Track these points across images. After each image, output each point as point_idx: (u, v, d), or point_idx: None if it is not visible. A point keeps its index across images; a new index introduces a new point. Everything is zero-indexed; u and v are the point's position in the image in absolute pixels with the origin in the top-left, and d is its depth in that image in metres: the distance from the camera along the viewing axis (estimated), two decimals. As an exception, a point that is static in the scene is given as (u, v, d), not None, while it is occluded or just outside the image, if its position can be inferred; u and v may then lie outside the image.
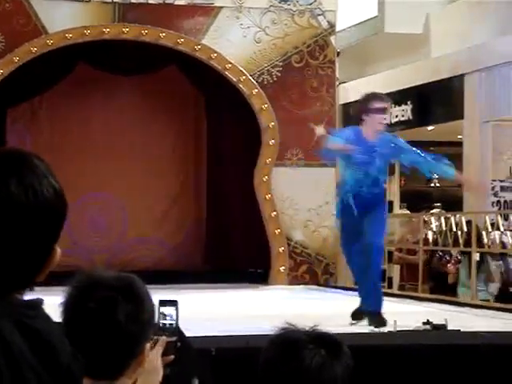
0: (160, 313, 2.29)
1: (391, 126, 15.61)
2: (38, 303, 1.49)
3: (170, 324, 2.28)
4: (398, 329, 5.83)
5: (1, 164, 1.48)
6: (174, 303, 2.31)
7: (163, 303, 2.30)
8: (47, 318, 1.49)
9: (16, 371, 1.40)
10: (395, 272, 14.41)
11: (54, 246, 1.51)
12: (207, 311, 8.03)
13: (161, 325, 2.27)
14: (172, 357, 2.20)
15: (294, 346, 2.09)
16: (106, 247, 11.93)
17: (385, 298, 9.65)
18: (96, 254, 11.65)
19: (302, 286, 11.07)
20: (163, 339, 2.18)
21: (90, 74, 11.59)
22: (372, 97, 6.81)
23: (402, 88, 15.04)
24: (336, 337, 2.14)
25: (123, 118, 12.22)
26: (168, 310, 2.30)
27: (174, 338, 2.24)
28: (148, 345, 2.00)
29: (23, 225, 1.45)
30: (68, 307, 1.94)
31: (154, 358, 2.09)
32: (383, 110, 6.77)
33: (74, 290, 1.96)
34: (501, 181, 13.19)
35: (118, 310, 1.91)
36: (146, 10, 11.06)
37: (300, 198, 11.34)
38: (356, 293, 10.03)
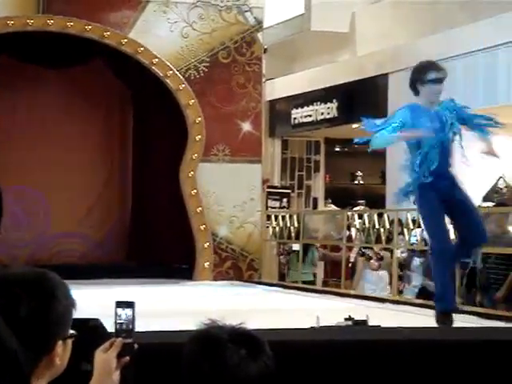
0: (116, 314, 2.27)
1: (317, 124, 15.79)
2: None
3: (127, 325, 2.26)
4: (321, 324, 5.89)
5: None
6: (130, 305, 2.29)
7: (119, 304, 2.28)
8: None
9: None
10: (319, 268, 14.56)
11: None
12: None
13: (117, 326, 2.25)
14: (128, 358, 2.19)
15: (214, 344, 2.10)
16: (29, 242, 11.78)
17: (308, 294, 9.80)
18: (18, 249, 11.49)
19: (226, 282, 11.10)
20: (119, 341, 2.17)
21: (15, 65, 11.41)
22: (427, 66, 6.55)
23: (327, 86, 15.18)
24: (258, 337, 2.15)
25: (48, 111, 12.06)
26: (124, 312, 2.28)
27: (130, 340, 2.22)
28: (60, 343, 1.97)
29: None
30: None
31: (109, 360, 2.08)
32: (439, 80, 6.55)
33: None
34: (423, 179, 13.41)
35: (21, 305, 1.88)
36: (72, 2, 10.93)
37: (225, 193, 11.36)
38: (279, 288, 10.10)
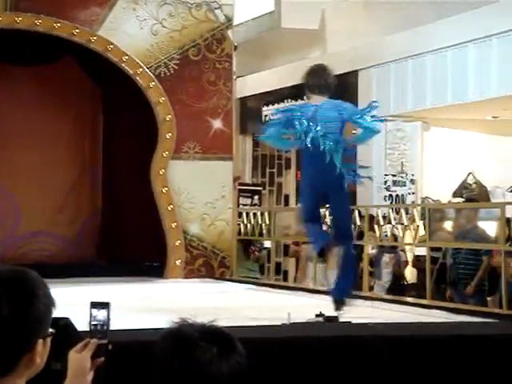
0: (91, 315, 2.26)
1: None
2: None
3: (102, 326, 2.26)
4: (292, 321, 5.90)
5: None
6: (105, 305, 2.29)
7: (94, 305, 2.27)
8: None
9: None
10: (291, 265, 14.58)
11: None
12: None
13: (92, 327, 2.24)
14: (102, 359, 2.18)
15: (185, 342, 2.09)
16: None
17: (280, 291, 9.81)
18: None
19: (198, 280, 11.09)
20: (94, 341, 2.16)
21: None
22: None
23: (297, 83, 15.19)
24: (230, 334, 2.15)
25: (18, 110, 11.98)
26: (99, 312, 2.27)
27: (105, 341, 2.22)
28: (41, 341, 1.97)
29: None
30: None
31: (83, 360, 2.07)
32: None
33: None
34: (393, 175, 13.50)
35: (3, 305, 1.87)
36: (40, 0, 10.86)
37: (196, 191, 11.35)
38: (250, 286, 10.12)
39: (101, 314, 2.27)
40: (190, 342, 2.08)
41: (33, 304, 1.92)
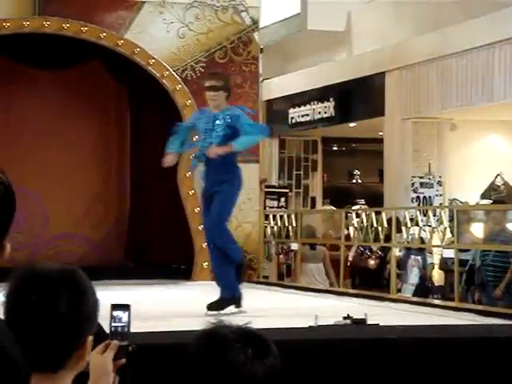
0: (112, 317, 2.28)
1: (314, 123, 15.79)
2: None
3: (122, 328, 2.27)
4: (319, 323, 5.89)
5: None
6: (126, 307, 2.31)
7: (115, 307, 2.29)
8: None
9: None
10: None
11: (3, 242, 1.52)
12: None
13: (112, 329, 2.26)
14: (124, 360, 2.19)
15: (220, 343, 2.10)
16: (27, 244, 11.75)
17: (307, 293, 9.79)
18: (16, 251, 11.46)
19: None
20: (115, 343, 2.17)
21: (10, 67, 11.40)
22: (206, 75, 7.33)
23: (324, 85, 15.19)
24: (265, 337, 2.15)
25: (45, 113, 12.05)
26: (120, 314, 2.29)
27: (125, 342, 2.23)
28: (91, 338, 2.00)
29: None
30: (10, 299, 1.93)
31: (106, 361, 2.09)
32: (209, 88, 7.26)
33: (15, 282, 1.95)
34: (420, 177, 13.44)
35: (59, 300, 1.91)
36: (68, 4, 10.92)
37: (223, 193, 11.34)
38: (278, 288, 10.12)
39: (122, 316, 2.28)
40: (225, 342, 2.09)
41: (85, 300, 1.97)
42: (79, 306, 1.95)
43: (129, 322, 2.29)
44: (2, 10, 10.67)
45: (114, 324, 2.26)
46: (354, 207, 13.63)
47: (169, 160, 7.61)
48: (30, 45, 11.16)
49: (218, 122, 7.24)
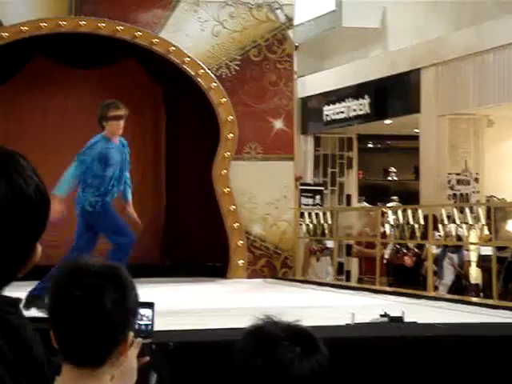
0: None
1: (349, 120, 15.74)
2: (16, 301, 1.50)
3: (146, 326, 2.28)
4: (356, 321, 5.87)
5: None
6: (150, 305, 2.31)
7: (139, 305, 2.29)
8: (24, 316, 1.50)
9: None
10: (353, 265, 14.51)
11: (35, 244, 1.53)
12: (165, 305, 8.02)
13: (136, 326, 2.26)
14: (148, 358, 2.20)
15: (269, 340, 2.09)
16: (63, 242, 11.83)
17: (343, 291, 9.76)
18: (53, 249, 11.54)
19: (260, 280, 11.10)
20: (139, 341, 2.18)
21: (46, 66, 11.49)
22: (109, 105, 7.54)
23: (359, 82, 15.12)
24: (314, 335, 2.15)
25: (82, 112, 12.11)
26: (144, 312, 2.30)
27: (149, 340, 2.24)
28: (132, 334, 2.01)
29: (10, 225, 1.46)
30: (54, 296, 1.94)
31: (130, 360, 2.10)
32: (119, 118, 7.55)
33: (59, 278, 1.96)
34: (457, 174, 13.33)
35: (106, 296, 1.92)
36: (103, 3, 10.98)
37: (258, 191, 11.36)
38: (314, 285, 10.09)
39: (146, 314, 2.29)
40: (274, 340, 2.08)
41: (128, 296, 1.97)
42: (124, 301, 1.96)
43: (153, 320, 2.29)
44: (38, 11, 10.76)
45: (138, 322, 2.26)
46: (388, 204, 13.57)
47: (59, 210, 7.22)
48: (67, 44, 11.23)
49: (125, 150, 7.80)
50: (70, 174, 7.59)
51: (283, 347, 2.07)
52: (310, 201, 14.98)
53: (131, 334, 2.01)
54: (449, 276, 11.20)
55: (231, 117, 11.25)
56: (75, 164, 7.65)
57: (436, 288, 10.44)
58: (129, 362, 2.07)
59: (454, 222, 9.61)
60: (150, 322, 2.29)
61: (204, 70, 11.20)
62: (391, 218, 10.68)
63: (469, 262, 11.34)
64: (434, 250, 10.63)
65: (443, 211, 9.70)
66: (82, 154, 7.71)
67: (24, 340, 1.46)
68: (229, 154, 11.29)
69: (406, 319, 6.20)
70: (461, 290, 10.90)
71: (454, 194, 13.25)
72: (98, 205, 7.67)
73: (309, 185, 15.75)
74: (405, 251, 11.76)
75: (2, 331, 1.43)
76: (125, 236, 7.89)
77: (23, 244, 1.50)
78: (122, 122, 7.57)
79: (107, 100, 7.73)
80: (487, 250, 10.01)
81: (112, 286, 1.95)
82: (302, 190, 14.33)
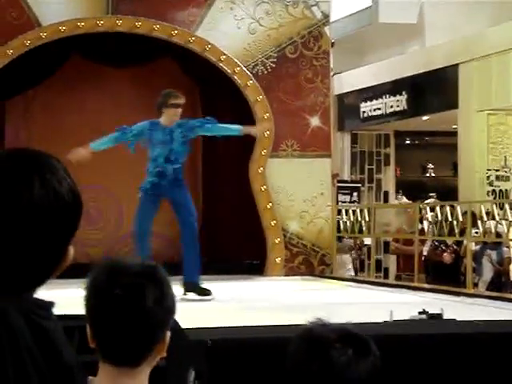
0: None
1: (386, 117, 15.66)
2: (49, 305, 1.50)
3: None
4: (394, 318, 5.83)
5: (22, 165, 1.49)
6: None
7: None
8: (56, 320, 1.50)
9: (20, 365, 1.41)
10: (391, 262, 14.45)
11: (68, 247, 1.53)
12: (204, 302, 8.04)
13: None
14: (164, 354, 2.20)
15: (321, 344, 2.08)
16: (102, 240, 11.92)
17: (381, 288, 9.71)
18: (92, 248, 11.63)
19: (298, 277, 11.08)
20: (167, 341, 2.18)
21: (84, 65, 11.56)
22: (170, 93, 8.34)
23: (396, 78, 15.05)
24: (364, 336, 2.13)
25: (117, 110, 12.18)
26: None
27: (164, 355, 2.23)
28: (169, 333, 2.01)
29: (43, 225, 1.47)
30: (93, 295, 1.95)
31: None
32: (178, 105, 8.28)
33: (98, 278, 1.97)
34: (496, 170, 13.21)
35: (147, 295, 1.93)
36: (139, 2, 11.03)
37: (295, 188, 11.34)
38: (352, 283, 10.06)
39: None
40: (326, 343, 2.07)
41: (167, 295, 1.98)
42: (162, 300, 1.96)
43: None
44: (76, 10, 10.83)
45: None
46: (426, 201, 13.48)
47: (81, 156, 8.39)
48: (104, 43, 11.29)
49: (175, 133, 8.35)
50: (108, 137, 8.84)
51: (336, 350, 2.06)
52: (347, 198, 14.94)
53: (168, 332, 2.01)
54: (488, 273, 11.11)
55: (267, 114, 11.24)
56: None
57: (475, 285, 10.35)
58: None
59: (493, 218, 9.52)
60: None
61: (240, 67, 11.20)
62: (429, 214, 10.60)
63: (509, 258, 11.24)
64: (473, 247, 10.54)
65: (482, 208, 9.61)
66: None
67: (54, 344, 1.46)
68: (265, 151, 11.29)
69: (445, 316, 6.15)
70: (500, 286, 10.80)
71: (494, 191, 13.14)
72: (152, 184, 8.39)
73: (346, 182, 15.71)
74: (443, 248, 11.68)
75: (34, 335, 1.43)
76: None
77: (57, 245, 1.51)
78: (179, 110, 8.23)
79: (166, 90, 8.44)
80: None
81: (152, 285, 1.96)
82: (339, 187, 14.30)
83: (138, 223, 8.54)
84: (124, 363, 1.93)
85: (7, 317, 1.42)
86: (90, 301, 1.93)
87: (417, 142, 17.96)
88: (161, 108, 8.35)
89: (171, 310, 2.00)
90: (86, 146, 8.62)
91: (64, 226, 1.51)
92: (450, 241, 11.42)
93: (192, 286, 8.19)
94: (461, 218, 9.70)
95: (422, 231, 11.23)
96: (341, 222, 11.88)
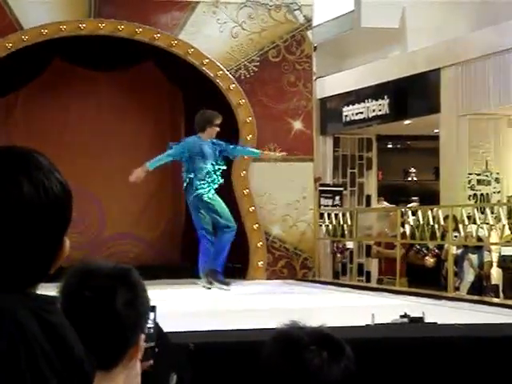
0: None
1: (368, 121, 15.70)
2: (54, 300, 1.51)
3: (148, 329, 2.27)
4: (376, 322, 5.85)
5: (7, 163, 1.49)
6: (152, 308, 2.30)
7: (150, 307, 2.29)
8: (62, 315, 1.51)
9: (32, 360, 1.41)
10: (373, 266, 14.48)
11: (63, 239, 1.54)
12: (185, 306, 8.04)
13: None
14: (151, 362, 2.19)
15: (295, 346, 2.08)
16: (84, 244, 11.88)
17: (363, 292, 9.74)
18: (74, 251, 11.56)
19: (280, 281, 11.09)
20: (141, 345, 2.18)
21: (66, 69, 11.54)
22: (214, 114, 9.55)
23: (378, 82, 15.10)
24: (339, 338, 2.13)
25: (99, 114, 12.17)
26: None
27: (152, 344, 2.23)
28: (143, 336, 2.01)
29: (37, 222, 1.47)
30: (65, 298, 1.94)
31: (134, 364, 2.09)
32: (220, 125, 9.48)
33: (70, 280, 1.97)
34: (477, 174, 13.28)
35: (117, 298, 1.92)
36: (122, 5, 11.02)
37: (278, 192, 11.36)
38: (334, 286, 10.09)
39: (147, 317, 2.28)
40: (300, 345, 2.07)
41: (139, 298, 1.98)
42: (135, 303, 1.96)
43: (155, 324, 2.28)
44: (58, 14, 10.81)
45: None
46: (408, 205, 13.53)
47: (140, 176, 9.79)
48: (86, 47, 11.27)
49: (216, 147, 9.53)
50: (163, 156, 9.74)
51: (310, 352, 2.06)
52: (330, 202, 14.96)
53: (142, 336, 2.00)
54: (469, 277, 11.16)
55: (250, 118, 11.26)
56: (168, 150, 9.67)
57: (457, 289, 10.40)
58: (132, 366, 2.06)
59: (474, 222, 9.57)
60: (152, 325, 2.28)
61: (223, 71, 11.21)
62: (411, 218, 10.64)
63: (490, 262, 11.30)
64: (455, 251, 10.58)
65: (464, 212, 9.66)
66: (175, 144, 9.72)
67: (65, 339, 1.47)
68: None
69: (427, 320, 6.18)
70: (480, 290, 10.86)
71: (475, 195, 13.20)
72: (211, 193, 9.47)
73: (328, 185, 15.73)
74: (425, 252, 11.73)
75: (45, 332, 1.43)
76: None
77: (52, 240, 1.52)
78: (218, 129, 9.47)
79: (207, 110, 9.62)
80: (508, 251, 9.96)
81: (123, 287, 1.95)
82: (321, 190, 14.32)
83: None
84: (98, 366, 1.93)
85: (17, 316, 1.42)
86: (63, 304, 1.93)
87: (399, 146, 18.02)
88: (205, 126, 9.41)
89: (144, 313, 1.99)
90: (143, 166, 9.75)
91: (57, 219, 1.52)
92: (431, 245, 11.46)
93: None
94: (442, 222, 9.75)
95: (403, 235, 11.28)
96: (323, 225, 11.91)
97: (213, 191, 9.44)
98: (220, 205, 9.49)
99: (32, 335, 1.43)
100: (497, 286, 11.15)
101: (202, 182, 9.42)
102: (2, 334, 1.40)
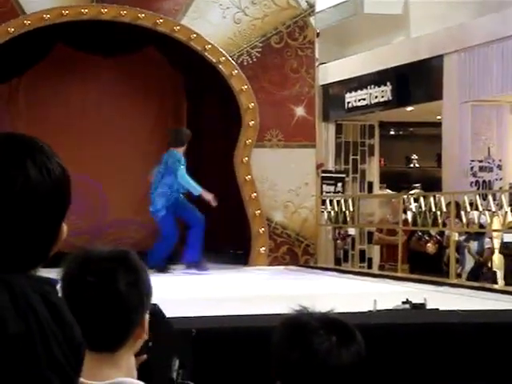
0: None
1: (371, 107, 15.67)
2: (54, 281, 1.53)
3: None
4: (378, 308, 5.86)
5: (12, 147, 1.52)
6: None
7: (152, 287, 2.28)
8: (60, 296, 1.53)
9: (46, 344, 1.42)
10: (375, 252, 14.49)
11: (62, 222, 1.56)
12: (188, 292, 8.05)
13: None
14: (145, 356, 2.20)
15: (304, 331, 2.08)
16: (86, 230, 11.89)
17: (365, 278, 9.75)
18: (76, 237, 11.58)
19: (282, 267, 11.10)
20: (146, 324, 2.18)
21: (68, 54, 11.52)
22: (189, 132, 10.51)
23: (381, 69, 15.05)
24: (349, 324, 2.13)
25: (102, 99, 12.16)
26: None
27: (145, 338, 2.23)
28: (147, 316, 2.01)
29: (41, 203, 1.50)
30: (67, 283, 1.95)
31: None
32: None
33: (70, 267, 1.97)
34: (479, 161, 13.26)
35: (119, 279, 1.93)
36: (125, -9, 10.98)
37: (280, 178, 11.35)
38: (335, 273, 10.11)
39: None
40: (309, 330, 2.07)
41: (142, 278, 1.99)
42: (137, 283, 1.97)
43: (150, 315, 2.28)
44: (60, -2, 10.77)
45: None
46: (410, 192, 13.52)
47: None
48: (88, 32, 11.25)
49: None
50: (187, 178, 10.42)
51: (319, 337, 2.06)
52: (332, 188, 14.95)
53: (147, 316, 2.01)
54: (470, 263, 11.16)
55: (252, 104, 11.24)
56: (181, 173, 10.39)
57: (459, 275, 10.40)
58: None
59: (476, 209, 9.56)
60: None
61: (225, 57, 11.19)
62: (413, 205, 10.64)
63: (490, 249, 11.29)
64: (457, 238, 10.58)
65: (466, 198, 9.65)
66: (176, 165, 10.41)
67: (66, 320, 1.48)
68: (250, 141, 11.29)
69: (429, 306, 6.19)
70: (478, 276, 10.86)
71: (477, 181, 13.19)
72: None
73: (330, 172, 15.71)
74: (427, 238, 11.72)
75: (50, 313, 1.45)
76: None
77: (53, 222, 1.54)
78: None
79: (183, 128, 10.82)
80: (510, 237, 9.96)
81: (123, 269, 1.96)
82: (323, 177, 14.31)
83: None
84: (103, 349, 1.94)
85: (29, 298, 1.44)
86: (64, 291, 1.94)
87: (401, 132, 17.99)
88: (185, 142, 10.38)
89: (147, 292, 2.00)
90: (204, 192, 10.54)
91: (59, 201, 1.54)
92: (433, 231, 11.46)
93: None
94: (444, 209, 9.74)
95: (405, 222, 11.27)
96: (325, 212, 11.91)
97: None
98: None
99: (44, 317, 1.44)
100: (494, 272, 11.15)
101: (176, 192, 10.63)
102: (20, 315, 1.41)
